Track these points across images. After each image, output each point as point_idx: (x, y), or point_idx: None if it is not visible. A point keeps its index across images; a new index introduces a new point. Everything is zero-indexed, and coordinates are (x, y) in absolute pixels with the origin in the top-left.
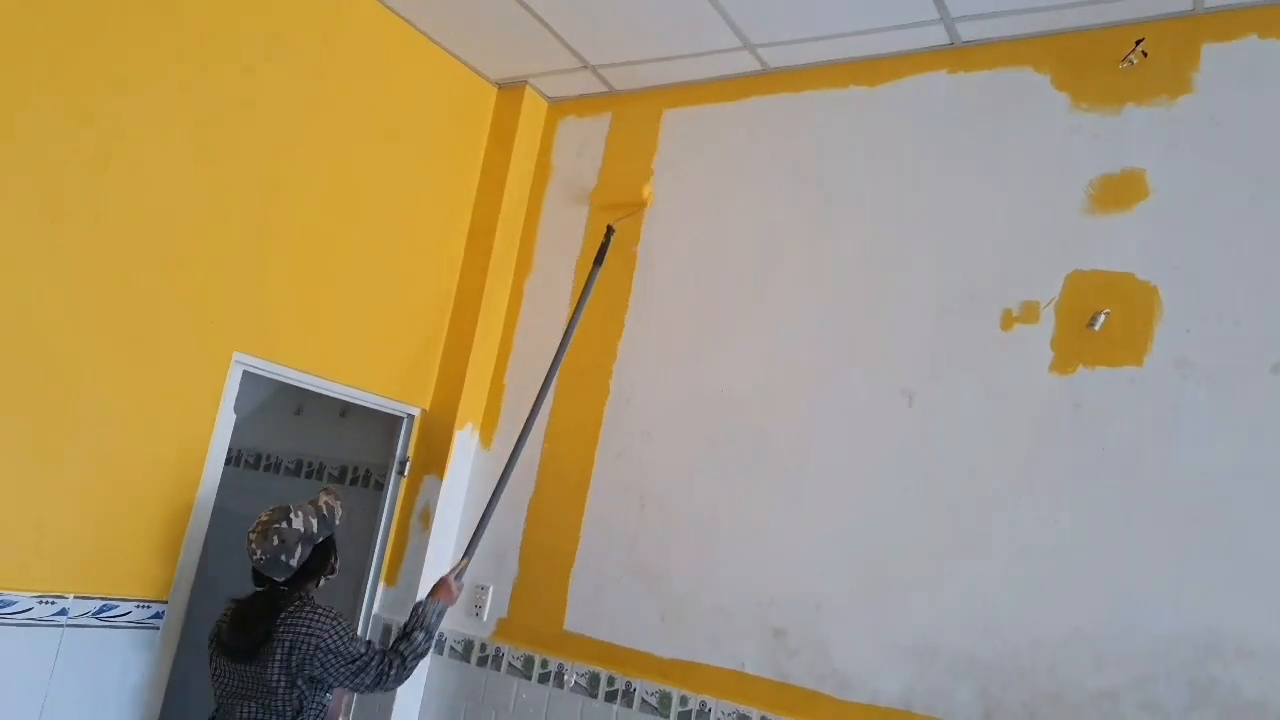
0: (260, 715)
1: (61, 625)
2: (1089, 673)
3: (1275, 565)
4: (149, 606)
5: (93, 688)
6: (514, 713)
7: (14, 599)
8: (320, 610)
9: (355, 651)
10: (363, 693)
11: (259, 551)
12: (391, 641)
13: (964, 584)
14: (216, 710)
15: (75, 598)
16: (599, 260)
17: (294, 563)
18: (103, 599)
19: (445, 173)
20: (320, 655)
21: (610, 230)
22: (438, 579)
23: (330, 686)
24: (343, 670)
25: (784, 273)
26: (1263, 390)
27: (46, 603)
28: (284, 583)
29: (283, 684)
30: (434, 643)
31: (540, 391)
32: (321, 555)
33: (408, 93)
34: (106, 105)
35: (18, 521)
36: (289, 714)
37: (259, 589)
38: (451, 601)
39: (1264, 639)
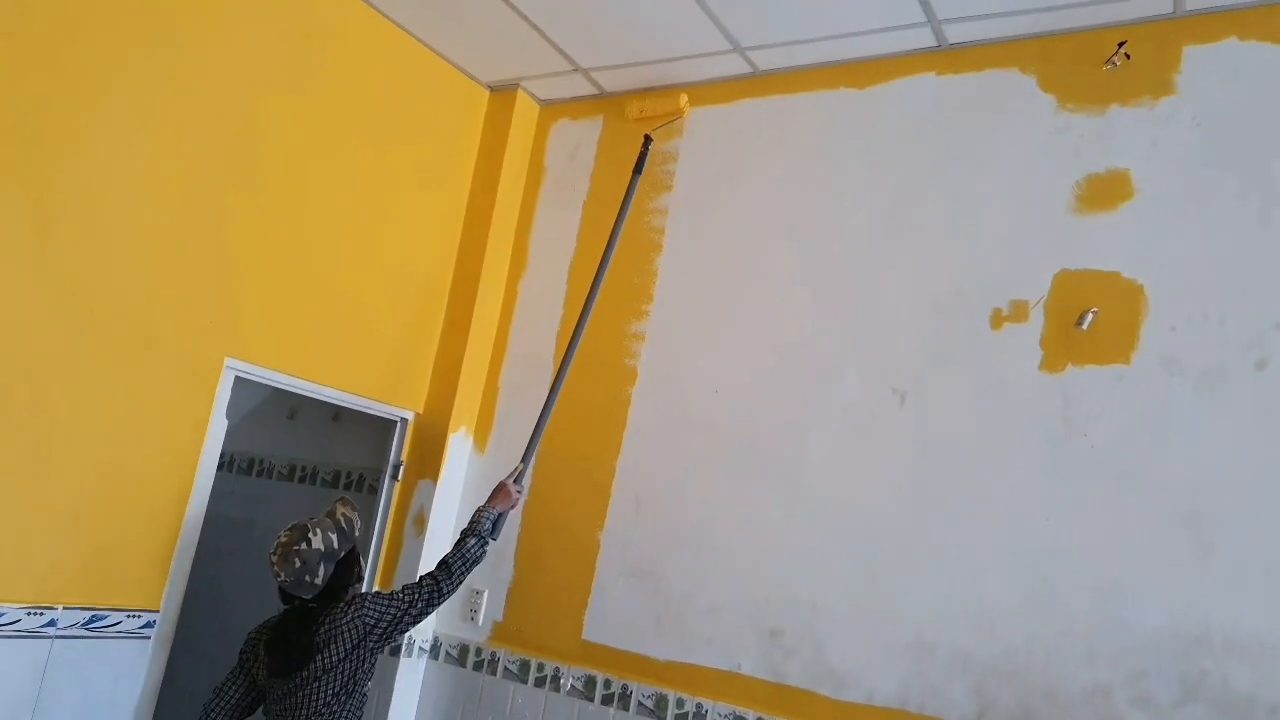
0: None
1: (50, 637)
2: (1082, 669)
3: (1261, 561)
4: (139, 616)
5: (83, 700)
6: (510, 717)
7: (1, 610)
8: (350, 602)
9: (397, 594)
10: (425, 616)
11: (283, 574)
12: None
13: (957, 582)
14: None
15: (64, 608)
16: (638, 169)
17: (319, 581)
18: (92, 609)
19: (437, 176)
20: (372, 618)
21: (648, 139)
22: (497, 484)
23: (392, 636)
24: (397, 609)
25: (775, 273)
26: (1248, 387)
27: (35, 614)
28: (312, 600)
29: (345, 672)
30: (487, 548)
31: (575, 332)
32: (346, 569)
33: (399, 95)
34: (79, 110)
35: (4, 531)
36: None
37: (289, 606)
38: (511, 505)
39: (1252, 633)
